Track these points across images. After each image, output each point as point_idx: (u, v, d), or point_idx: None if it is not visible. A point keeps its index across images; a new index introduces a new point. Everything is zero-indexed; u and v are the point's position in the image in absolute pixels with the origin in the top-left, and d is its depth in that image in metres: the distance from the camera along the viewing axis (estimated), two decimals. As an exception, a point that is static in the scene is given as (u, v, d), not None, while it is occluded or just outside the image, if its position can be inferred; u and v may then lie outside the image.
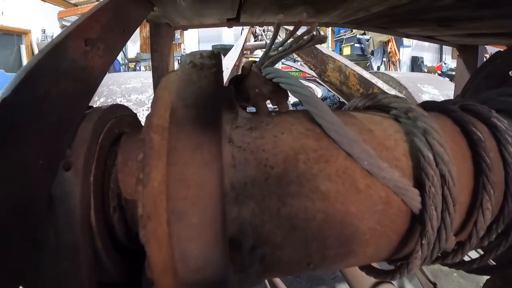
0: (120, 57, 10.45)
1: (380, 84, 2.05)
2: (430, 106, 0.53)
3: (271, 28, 4.76)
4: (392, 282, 0.98)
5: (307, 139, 0.37)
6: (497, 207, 0.46)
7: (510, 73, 0.70)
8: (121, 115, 0.53)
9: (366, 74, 2.24)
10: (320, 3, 1.06)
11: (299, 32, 0.45)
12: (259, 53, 5.03)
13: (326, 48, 7.61)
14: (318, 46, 3.23)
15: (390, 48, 6.37)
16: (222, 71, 0.39)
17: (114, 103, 0.78)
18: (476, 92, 0.84)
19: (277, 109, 0.47)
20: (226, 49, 4.46)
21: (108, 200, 0.45)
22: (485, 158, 0.40)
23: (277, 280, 1.37)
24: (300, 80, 0.44)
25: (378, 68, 6.73)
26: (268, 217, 0.34)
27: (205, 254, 0.30)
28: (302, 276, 2.27)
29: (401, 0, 0.87)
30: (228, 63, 2.76)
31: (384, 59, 6.54)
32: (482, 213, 0.40)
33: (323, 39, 0.42)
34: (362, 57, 6.34)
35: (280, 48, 0.46)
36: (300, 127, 0.38)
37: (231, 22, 1.37)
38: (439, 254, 0.49)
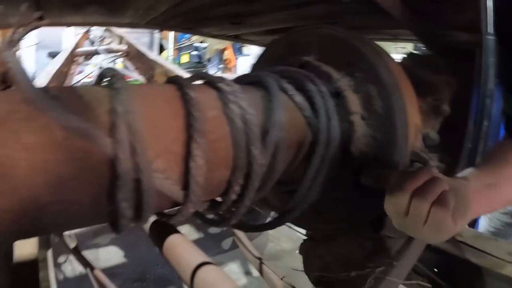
0: None
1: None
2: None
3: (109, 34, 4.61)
4: (213, 262, 1.01)
5: (20, 104, 0.40)
6: (228, 161, 0.54)
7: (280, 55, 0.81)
8: None
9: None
10: (108, 2, 1.07)
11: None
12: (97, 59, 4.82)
13: (167, 57, 7.67)
14: (146, 51, 3.26)
15: (227, 56, 6.63)
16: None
17: None
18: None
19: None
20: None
21: None
22: (193, 113, 0.48)
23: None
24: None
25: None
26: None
27: None
28: (149, 280, 2.27)
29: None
30: (51, 69, 2.60)
31: (221, 66, 6.78)
32: (194, 159, 0.47)
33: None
34: (199, 64, 6.54)
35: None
36: (16, 95, 0.41)
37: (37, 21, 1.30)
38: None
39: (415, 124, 0.69)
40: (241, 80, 0.68)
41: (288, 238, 2.50)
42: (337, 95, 0.67)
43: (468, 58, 1.15)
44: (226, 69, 6.66)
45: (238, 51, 6.57)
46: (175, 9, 1.08)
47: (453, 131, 1.11)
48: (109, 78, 0.47)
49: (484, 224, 1.71)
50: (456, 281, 1.05)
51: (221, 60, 6.74)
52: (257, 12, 1.03)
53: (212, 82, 0.56)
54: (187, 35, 6.76)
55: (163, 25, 1.36)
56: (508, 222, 1.60)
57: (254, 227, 0.79)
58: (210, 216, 0.67)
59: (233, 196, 0.55)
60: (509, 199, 0.74)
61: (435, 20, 0.92)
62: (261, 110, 0.58)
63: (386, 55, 0.69)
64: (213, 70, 6.49)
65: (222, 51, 6.66)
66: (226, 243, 2.56)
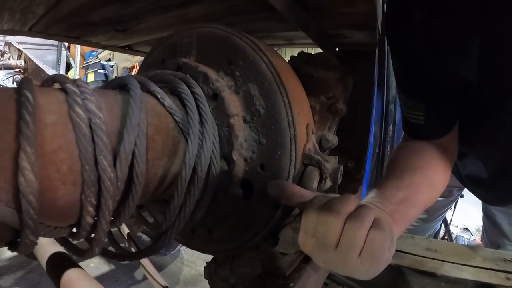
0: None
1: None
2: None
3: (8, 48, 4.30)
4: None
5: None
6: (75, 176, 0.44)
7: (161, 60, 0.74)
8: None
9: None
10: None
11: None
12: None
13: (74, 75, 7.35)
14: (45, 68, 3.08)
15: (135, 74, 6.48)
16: None
17: None
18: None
19: None
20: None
21: None
22: (24, 116, 0.38)
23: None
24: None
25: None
26: None
27: None
28: None
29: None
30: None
31: (128, 85, 6.65)
32: (22, 173, 0.37)
33: None
34: (106, 83, 6.34)
35: None
36: None
37: None
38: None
39: (306, 124, 0.63)
40: (108, 85, 0.59)
41: (203, 260, 2.41)
42: (215, 96, 0.59)
43: (368, 59, 1.15)
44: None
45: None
46: (53, 13, 0.99)
47: (353, 134, 1.09)
48: None
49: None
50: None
51: (128, 78, 6.60)
52: (139, 15, 0.94)
53: (61, 84, 0.46)
54: (94, 53, 6.53)
55: (46, 32, 1.24)
56: (422, 218, 1.62)
57: (127, 255, 0.68)
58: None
59: (89, 219, 0.44)
60: (422, 206, 0.73)
61: (326, 15, 0.88)
62: (117, 115, 0.48)
63: (270, 51, 0.62)
64: (120, 89, 6.34)
65: (129, 69, 6.48)
66: (139, 273, 2.41)
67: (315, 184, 0.59)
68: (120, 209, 0.49)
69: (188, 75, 0.61)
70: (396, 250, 1.03)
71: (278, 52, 0.69)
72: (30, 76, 3.41)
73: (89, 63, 6.52)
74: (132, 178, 0.46)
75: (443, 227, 2.15)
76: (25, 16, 1.05)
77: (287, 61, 0.76)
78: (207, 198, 0.58)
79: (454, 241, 2.64)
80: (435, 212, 1.64)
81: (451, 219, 2.02)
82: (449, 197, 1.58)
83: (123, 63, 6.19)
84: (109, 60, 6.29)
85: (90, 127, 0.43)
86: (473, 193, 1.29)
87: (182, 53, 0.68)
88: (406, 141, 0.91)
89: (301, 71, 0.72)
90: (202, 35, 0.67)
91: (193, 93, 0.57)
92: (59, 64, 8.01)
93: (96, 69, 6.20)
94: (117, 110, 0.49)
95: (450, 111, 0.84)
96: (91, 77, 6.17)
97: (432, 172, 0.80)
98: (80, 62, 7.51)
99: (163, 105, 0.55)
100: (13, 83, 4.26)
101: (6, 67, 3.83)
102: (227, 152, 0.59)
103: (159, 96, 0.55)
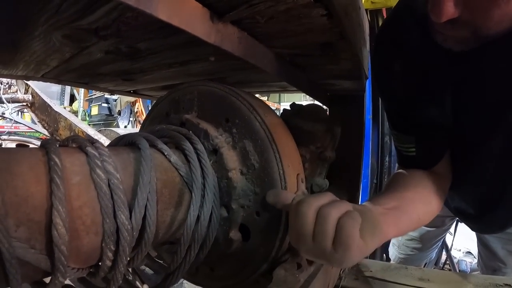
0: None
1: (103, 140, 2.14)
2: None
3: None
4: None
5: None
6: (97, 227, 0.52)
7: (166, 113, 0.81)
8: None
9: (91, 131, 2.33)
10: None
11: None
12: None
13: (78, 108, 7.43)
14: (51, 103, 3.15)
15: (137, 108, 6.54)
16: None
17: None
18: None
19: None
20: None
21: None
22: (55, 179, 0.46)
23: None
24: None
25: (125, 126, 6.84)
26: None
27: None
28: None
29: (64, 54, 0.93)
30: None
31: (131, 119, 6.66)
32: (55, 227, 0.45)
33: None
34: (110, 117, 6.42)
35: None
36: None
37: None
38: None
39: (296, 174, 0.71)
40: (119, 142, 0.67)
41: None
42: (216, 151, 0.68)
43: (357, 102, 1.23)
44: (136, 121, 6.55)
45: (148, 102, 6.51)
46: (65, 65, 1.06)
47: (345, 172, 1.17)
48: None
49: (394, 252, 1.77)
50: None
51: (132, 113, 6.62)
52: (145, 70, 1.03)
53: (81, 146, 0.55)
54: (98, 86, 6.60)
55: (58, 78, 1.33)
56: (416, 247, 1.66)
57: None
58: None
59: (108, 262, 0.52)
60: (416, 218, 0.78)
61: (313, 71, 0.97)
62: (131, 173, 0.56)
63: (263, 109, 0.71)
64: (123, 123, 6.37)
65: (132, 103, 6.57)
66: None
67: (304, 228, 0.66)
68: (135, 253, 0.56)
69: (190, 132, 0.69)
70: (390, 282, 1.08)
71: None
72: (37, 111, 3.48)
73: (93, 96, 6.62)
74: (145, 227, 0.54)
75: (444, 252, 2.17)
76: (39, 67, 1.13)
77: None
78: (209, 242, 0.65)
79: (456, 266, 2.59)
80: (429, 241, 1.66)
81: (452, 244, 2.01)
82: (442, 227, 1.62)
83: (127, 97, 6.30)
84: (112, 94, 6.37)
85: (109, 186, 0.51)
86: (463, 222, 1.32)
87: (184, 108, 0.76)
88: (401, 169, 0.97)
89: (292, 124, 0.80)
90: (202, 93, 0.75)
91: (195, 149, 0.65)
92: (63, 96, 8.00)
93: (100, 103, 6.31)
94: (130, 169, 0.57)
95: (438, 143, 0.90)
96: (95, 110, 6.29)
97: (426, 190, 0.85)
98: (84, 95, 7.61)
99: (170, 161, 0.63)
100: (19, 115, 4.29)
101: (14, 101, 3.85)
102: (226, 201, 0.67)
103: (165, 153, 0.63)
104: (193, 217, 0.60)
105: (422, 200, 0.82)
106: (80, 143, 0.56)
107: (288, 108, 0.93)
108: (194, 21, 0.53)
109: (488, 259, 1.54)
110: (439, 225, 1.59)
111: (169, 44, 0.77)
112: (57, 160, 0.48)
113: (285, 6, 0.56)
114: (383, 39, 0.92)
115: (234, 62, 0.83)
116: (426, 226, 1.56)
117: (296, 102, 0.94)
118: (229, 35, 0.62)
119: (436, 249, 1.82)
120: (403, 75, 0.83)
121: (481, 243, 1.57)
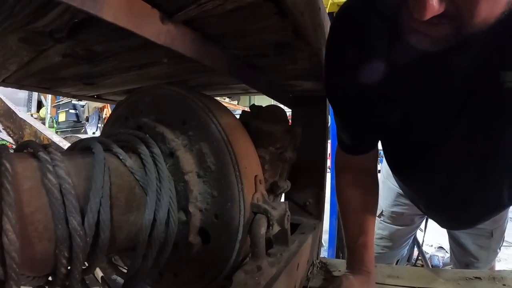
0: None
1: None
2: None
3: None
4: None
5: None
6: (50, 234, 0.51)
7: (125, 117, 0.80)
8: None
9: (56, 138, 2.29)
10: None
11: None
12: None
13: (45, 114, 7.26)
14: (16, 110, 3.07)
15: (106, 114, 6.42)
16: None
17: None
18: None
19: None
20: None
21: None
22: (5, 185, 0.45)
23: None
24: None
25: (94, 133, 6.70)
26: None
27: None
28: None
29: (22, 58, 0.91)
30: None
31: (100, 125, 6.52)
32: (5, 234, 0.44)
33: None
34: (77, 123, 6.28)
35: None
36: None
37: None
38: None
39: (254, 176, 0.71)
40: (75, 147, 0.66)
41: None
42: (172, 155, 0.68)
43: (319, 103, 1.24)
44: (105, 127, 6.42)
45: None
46: (25, 69, 1.04)
47: (310, 173, 1.18)
48: None
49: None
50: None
51: (100, 119, 6.50)
52: (105, 73, 1.02)
53: (34, 152, 0.54)
54: (65, 92, 6.49)
55: (19, 83, 1.29)
56: (387, 245, 1.66)
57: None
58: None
59: (63, 270, 0.51)
60: (374, 220, 0.96)
61: (272, 72, 0.98)
62: (84, 178, 0.55)
63: (220, 111, 0.71)
64: (92, 129, 6.24)
65: (101, 109, 6.46)
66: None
67: (263, 230, 0.66)
68: (90, 259, 0.55)
69: (147, 135, 0.69)
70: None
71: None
72: (2, 118, 3.37)
73: (60, 103, 6.49)
74: (99, 233, 0.53)
75: (416, 248, 2.18)
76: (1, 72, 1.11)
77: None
78: (168, 246, 0.65)
79: (429, 262, 2.61)
80: (399, 239, 1.66)
81: (423, 240, 2.01)
82: (411, 225, 1.62)
83: (94, 103, 6.20)
84: (80, 100, 6.28)
85: (61, 191, 0.50)
86: (432, 220, 1.33)
87: (143, 112, 0.76)
88: (339, 160, 0.98)
89: (251, 125, 0.81)
90: (160, 96, 0.75)
91: (151, 152, 0.64)
92: (31, 102, 7.84)
93: (68, 109, 6.18)
94: (84, 174, 0.56)
95: (374, 137, 0.92)
96: (62, 117, 6.15)
97: (368, 191, 0.96)
98: (51, 101, 7.45)
99: (125, 165, 0.62)
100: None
101: (-23, 108, 3.75)
102: (184, 204, 0.67)
103: (121, 158, 0.62)
104: (148, 222, 0.59)
105: (365, 207, 0.94)
106: (33, 148, 0.55)
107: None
108: (142, 22, 0.52)
109: (460, 255, 1.56)
110: (409, 224, 1.60)
111: (125, 46, 0.76)
112: (8, 165, 0.47)
113: (234, 5, 0.56)
114: (338, 33, 0.83)
115: (192, 64, 0.83)
116: (396, 225, 1.58)
117: (266, 104, 0.94)
118: (181, 36, 0.62)
119: (407, 246, 1.83)
120: (354, 76, 0.78)
121: (452, 239, 1.59)
